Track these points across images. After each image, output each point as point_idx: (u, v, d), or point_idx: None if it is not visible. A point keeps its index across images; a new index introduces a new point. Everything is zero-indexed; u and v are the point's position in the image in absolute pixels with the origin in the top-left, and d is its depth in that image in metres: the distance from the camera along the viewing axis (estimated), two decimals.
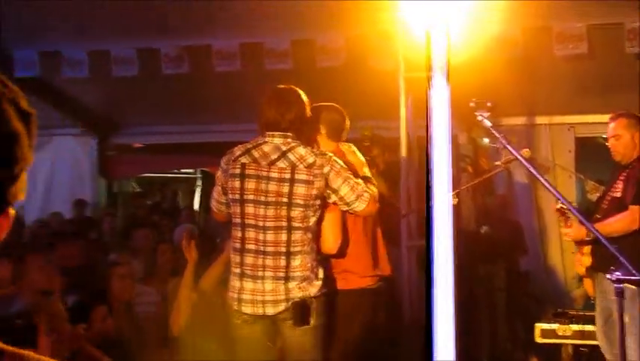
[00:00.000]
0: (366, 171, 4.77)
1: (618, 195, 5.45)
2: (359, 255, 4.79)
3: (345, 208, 4.47)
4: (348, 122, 4.93)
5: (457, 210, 6.74)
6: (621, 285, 3.71)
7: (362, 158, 4.89)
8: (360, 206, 4.45)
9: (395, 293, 7.29)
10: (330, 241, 4.53)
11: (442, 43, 4.35)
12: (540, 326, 6.58)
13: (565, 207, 5.30)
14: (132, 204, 13.04)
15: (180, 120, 11.15)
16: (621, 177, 5.54)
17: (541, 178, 4.01)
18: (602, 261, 5.10)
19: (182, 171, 15.77)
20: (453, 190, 5.34)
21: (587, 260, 5.55)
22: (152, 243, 7.40)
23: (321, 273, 4.41)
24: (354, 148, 4.95)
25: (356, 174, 4.62)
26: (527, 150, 5.60)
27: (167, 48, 8.45)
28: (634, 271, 3.62)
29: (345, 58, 7.90)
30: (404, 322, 6.87)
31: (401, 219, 6.95)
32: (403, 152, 6.99)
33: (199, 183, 15.32)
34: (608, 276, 3.74)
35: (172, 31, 8.11)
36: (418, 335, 6.13)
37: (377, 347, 6.12)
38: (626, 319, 4.80)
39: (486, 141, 9.55)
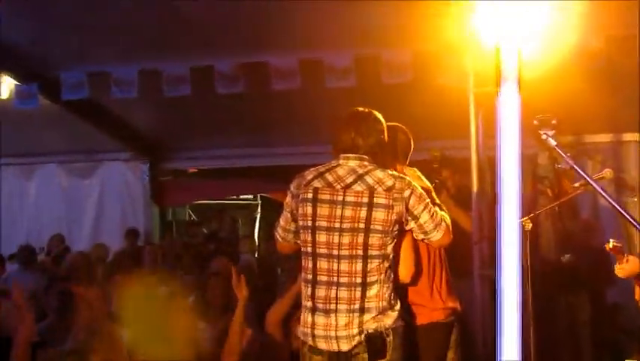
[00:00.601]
0: (435, 198, 4.85)
1: None
2: (429, 287, 4.91)
3: (421, 237, 4.58)
4: (412, 144, 5.08)
5: (534, 236, 6.87)
6: None
7: (428, 183, 4.99)
8: (437, 236, 4.57)
9: (468, 326, 7.43)
10: (403, 271, 4.63)
11: (513, 55, 4.53)
12: None
13: (618, 244, 5.34)
14: (187, 233, 13.30)
15: (237, 143, 11.44)
16: None
17: (609, 199, 4.09)
18: None
19: (241, 197, 16.06)
20: (527, 214, 5.51)
21: None
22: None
23: (397, 304, 4.47)
24: (419, 173, 5.06)
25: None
26: (609, 170, 5.70)
27: (221, 66, 8.67)
28: None
29: (412, 74, 8.04)
30: (478, 358, 6.97)
31: (473, 247, 7.08)
32: (474, 173, 7.13)
33: (258, 210, 15.60)
34: None
35: (227, 47, 8.35)
36: None
37: None
38: None
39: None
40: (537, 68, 6.41)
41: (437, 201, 4.86)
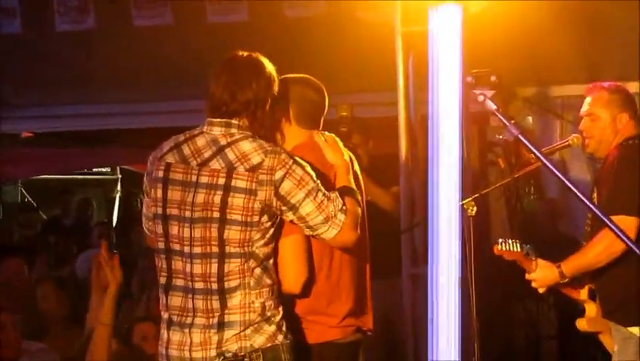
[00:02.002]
0: (351, 180, 4.77)
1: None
2: (327, 297, 4.81)
3: (308, 233, 4.52)
4: (327, 102, 4.96)
5: (481, 223, 7.02)
6: None
7: (346, 156, 4.87)
8: (330, 232, 4.48)
9: (395, 339, 7.60)
10: (290, 278, 4.59)
11: None
12: None
13: (509, 245, 5.47)
14: (19, 220, 13.22)
15: (88, 98, 11.31)
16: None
17: (562, 178, 4.16)
18: (613, 302, 5.38)
19: (95, 171, 15.98)
20: (472, 194, 5.64)
21: (591, 309, 5.68)
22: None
23: (278, 316, 4.46)
24: (338, 140, 4.92)
25: (327, 181, 4.66)
26: (577, 135, 5.87)
27: None
28: None
29: (323, 6, 8.10)
30: None
31: (402, 237, 7.24)
32: (403, 138, 7.23)
33: (118, 187, 15.52)
34: None
35: None
36: None
37: None
38: None
39: (530, 121, 9.88)
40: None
41: (352, 184, 4.74)
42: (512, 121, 4.02)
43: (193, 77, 4.90)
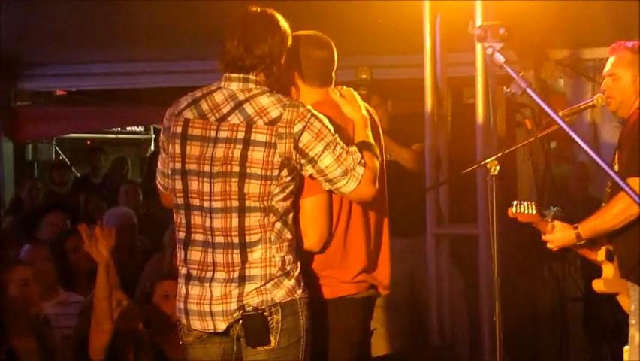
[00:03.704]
0: (369, 134, 4.80)
1: (616, 168, 5.53)
2: (342, 252, 4.87)
3: (328, 187, 4.57)
4: (335, 57, 4.98)
5: (507, 183, 7.08)
6: None
7: (364, 110, 4.89)
8: (349, 186, 4.52)
9: (418, 299, 7.67)
10: (312, 236, 4.68)
11: None
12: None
13: (523, 207, 5.50)
14: (51, 178, 13.31)
15: (123, 56, 11.38)
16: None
17: (581, 142, 4.15)
18: (631, 263, 5.40)
19: (129, 130, 16.10)
20: (494, 154, 5.69)
21: (609, 270, 5.72)
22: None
23: (296, 270, 4.53)
24: (356, 94, 4.95)
25: (346, 136, 4.70)
26: (601, 95, 5.89)
27: None
28: None
29: None
30: (431, 331, 7.22)
31: (426, 196, 7.28)
32: (429, 99, 7.28)
33: (152, 147, 15.57)
34: None
35: None
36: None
37: None
38: None
39: (561, 83, 9.90)
40: None
41: (370, 140, 4.76)
42: (520, 74, 3.98)
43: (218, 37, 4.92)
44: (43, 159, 15.05)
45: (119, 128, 15.74)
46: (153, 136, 15.95)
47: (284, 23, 4.63)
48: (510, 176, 7.15)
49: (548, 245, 5.58)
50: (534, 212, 5.46)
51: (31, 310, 6.01)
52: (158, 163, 4.81)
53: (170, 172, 4.64)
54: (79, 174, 14.47)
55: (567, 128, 3.72)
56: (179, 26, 9.87)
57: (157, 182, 4.87)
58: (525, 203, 5.46)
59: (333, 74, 5.00)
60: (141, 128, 15.86)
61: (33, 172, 14.02)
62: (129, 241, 8.54)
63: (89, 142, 15.64)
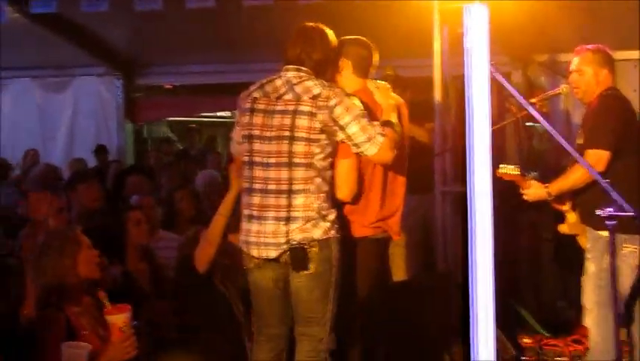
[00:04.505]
0: (393, 117, 4.95)
1: (581, 141, 5.58)
2: (365, 202, 5.04)
3: (355, 150, 4.72)
4: (376, 57, 5.21)
5: (498, 154, 7.12)
6: (614, 222, 4.15)
7: (392, 100, 5.11)
8: (371, 150, 4.66)
9: (428, 242, 7.75)
10: (345, 189, 4.83)
11: None
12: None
13: (510, 172, 5.53)
14: (159, 149, 13.53)
15: (212, 59, 11.57)
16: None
17: (546, 124, 4.23)
18: (587, 212, 5.39)
19: (219, 115, 16.22)
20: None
21: (572, 217, 5.81)
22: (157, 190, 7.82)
23: (331, 215, 4.67)
24: (389, 88, 5.20)
25: (375, 116, 4.87)
26: (565, 85, 5.96)
27: None
28: (626, 207, 4.03)
29: None
30: (437, 273, 7.30)
31: (434, 161, 7.40)
32: (437, 91, 7.40)
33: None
34: (599, 212, 4.19)
35: None
36: (452, 287, 6.59)
37: (407, 298, 6.57)
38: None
39: (542, 80, 9.91)
40: None
41: (394, 120, 4.94)
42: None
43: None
44: (155, 136, 15.20)
45: (212, 113, 15.78)
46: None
47: (332, 36, 4.89)
48: (500, 150, 7.18)
49: (524, 197, 5.64)
50: (518, 173, 5.54)
51: (142, 242, 6.16)
52: (232, 134, 4.99)
53: (240, 138, 4.81)
54: (181, 147, 14.62)
55: (540, 117, 3.75)
56: (254, 35, 9.98)
57: (230, 149, 5.07)
58: (510, 166, 5.57)
59: (372, 71, 5.23)
60: (227, 113, 15.94)
61: (147, 146, 14.14)
62: (216, 193, 8.55)
63: (192, 124, 15.74)
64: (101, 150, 11.84)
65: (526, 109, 6.06)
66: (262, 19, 9.37)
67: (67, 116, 12.31)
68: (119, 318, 4.31)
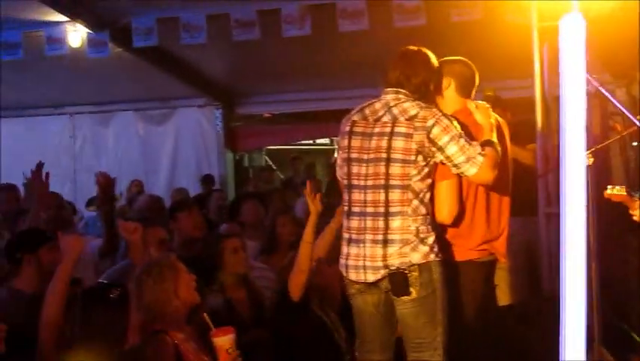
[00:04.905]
0: (494, 137, 4.73)
1: None
2: (469, 224, 4.82)
3: (455, 171, 4.51)
4: (477, 78, 5.01)
5: (602, 172, 6.85)
6: None
7: (493, 120, 4.88)
8: (470, 170, 4.46)
9: (532, 265, 7.46)
10: (444, 211, 4.61)
11: None
12: None
13: (617, 192, 5.31)
14: (260, 178, 13.52)
15: (309, 87, 11.61)
16: None
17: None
18: None
19: (318, 142, 16.21)
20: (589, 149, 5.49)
21: None
22: (265, 216, 7.72)
23: (430, 238, 4.46)
24: (488, 108, 4.96)
25: (473, 136, 4.64)
26: None
27: (288, 9, 8.77)
28: None
29: (479, 12, 8.02)
30: (543, 297, 7.01)
31: (538, 183, 7.13)
32: (539, 111, 7.10)
33: (335, 154, 15.61)
34: None
35: None
36: (558, 310, 6.31)
37: (510, 323, 6.33)
38: None
39: None
40: (608, 3, 6.38)
41: (494, 139, 4.71)
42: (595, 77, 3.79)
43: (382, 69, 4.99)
44: (256, 164, 15.22)
45: (311, 141, 15.79)
46: (335, 146, 15.98)
47: (434, 59, 4.70)
48: (605, 169, 6.94)
49: (634, 218, 5.36)
50: (624, 193, 5.28)
51: (240, 270, 6.03)
52: (337, 159, 4.87)
53: (340, 161, 4.70)
54: (282, 176, 14.59)
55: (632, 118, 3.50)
56: (350, 61, 9.90)
57: (337, 174, 4.88)
58: (617, 187, 5.34)
59: (473, 92, 5.03)
60: (327, 141, 15.90)
61: (248, 175, 14.15)
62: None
63: (291, 154, 15.74)
64: (207, 179, 11.91)
65: (632, 126, 5.88)
66: (358, 45, 9.28)
67: (169, 147, 12.47)
68: (225, 340, 4.25)
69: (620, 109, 3.73)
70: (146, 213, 7.85)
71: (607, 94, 3.62)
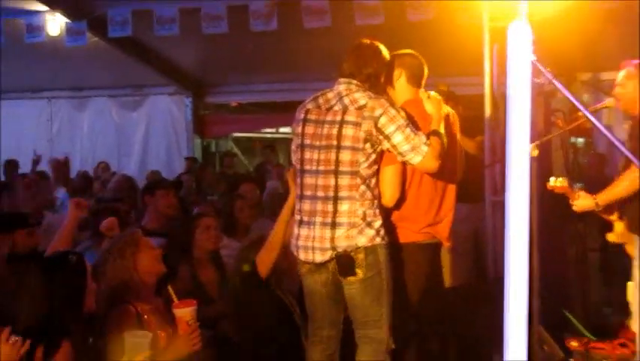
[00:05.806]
0: (442, 128, 4.74)
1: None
2: (413, 209, 4.84)
3: (400, 159, 4.54)
4: (426, 70, 5.02)
5: (545, 165, 6.91)
6: None
7: (443, 111, 4.87)
8: (415, 158, 4.47)
9: (479, 250, 7.53)
10: (387, 195, 4.62)
11: None
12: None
13: (559, 184, 5.35)
14: (222, 163, 13.47)
15: (275, 79, 11.59)
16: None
17: (605, 131, 3.97)
18: (633, 219, 5.17)
19: (281, 131, 16.17)
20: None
21: (620, 226, 5.55)
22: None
23: (377, 222, 4.48)
24: (440, 99, 4.94)
25: (423, 126, 4.65)
26: (612, 99, 5.72)
27: (256, 5, 8.78)
28: None
29: (432, 12, 8.08)
30: (488, 280, 7.07)
31: (485, 172, 7.17)
32: (487, 107, 7.13)
33: None
34: None
35: None
36: (501, 293, 6.38)
37: (455, 303, 6.38)
38: None
39: (585, 97, 9.66)
40: (553, 7, 6.42)
41: (441, 130, 4.74)
42: (548, 69, 3.73)
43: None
44: (222, 150, 15.15)
45: (274, 129, 15.77)
46: None
47: (385, 52, 4.69)
48: (547, 161, 6.98)
49: (574, 208, 5.42)
50: (566, 185, 5.32)
51: (209, 247, 6.02)
52: (292, 145, 4.83)
53: (294, 147, 4.70)
54: (246, 162, 14.58)
55: (598, 124, 3.52)
56: (314, 55, 9.93)
57: (292, 160, 4.88)
58: (560, 178, 5.34)
59: (423, 82, 5.03)
60: (288, 129, 15.87)
61: (215, 159, 14.10)
62: (277, 202, 8.45)
63: (256, 141, 15.72)
64: (191, 160, 11.91)
65: (572, 122, 5.95)
66: (321, 40, 9.28)
67: (142, 132, 12.43)
68: (186, 312, 4.20)
69: (570, 99, 3.71)
70: (118, 193, 7.89)
71: (559, 85, 3.61)
